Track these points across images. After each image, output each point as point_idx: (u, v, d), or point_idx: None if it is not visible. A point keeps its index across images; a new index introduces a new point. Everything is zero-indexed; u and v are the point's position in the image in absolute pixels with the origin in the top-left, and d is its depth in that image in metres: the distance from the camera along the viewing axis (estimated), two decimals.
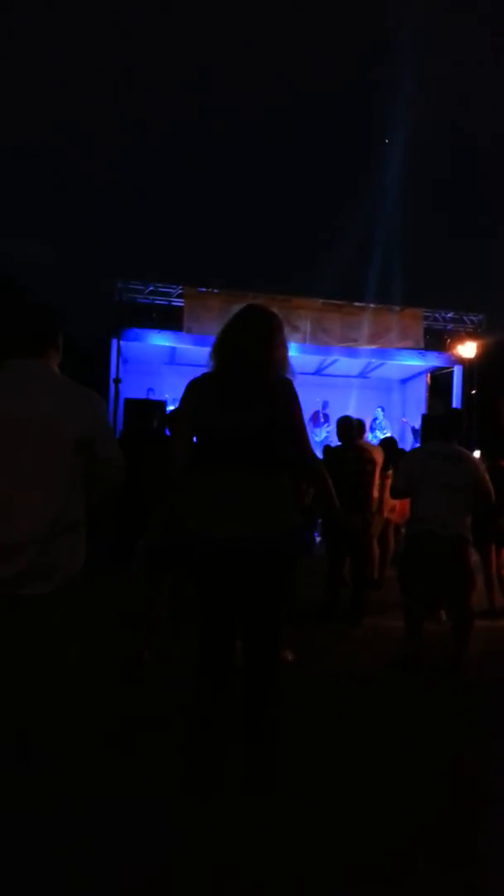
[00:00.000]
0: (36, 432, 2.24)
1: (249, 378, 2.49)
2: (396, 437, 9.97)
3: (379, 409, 14.46)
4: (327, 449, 6.31)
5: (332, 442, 11.82)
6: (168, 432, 4.99)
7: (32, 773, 2.25)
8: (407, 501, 4.87)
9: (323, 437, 13.57)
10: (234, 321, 2.61)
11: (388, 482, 6.39)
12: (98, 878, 2.15)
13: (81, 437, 2.30)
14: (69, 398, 2.36)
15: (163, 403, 5.48)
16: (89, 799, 2.48)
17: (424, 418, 10.67)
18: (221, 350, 2.58)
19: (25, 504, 2.22)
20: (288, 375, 2.57)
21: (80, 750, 2.63)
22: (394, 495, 4.82)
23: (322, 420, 14.21)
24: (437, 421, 4.94)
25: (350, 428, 5.89)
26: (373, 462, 5.85)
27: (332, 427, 6.58)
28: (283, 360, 2.59)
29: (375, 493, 6.05)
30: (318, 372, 14.58)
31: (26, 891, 2.07)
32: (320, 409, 14.29)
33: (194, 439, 2.53)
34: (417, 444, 11.31)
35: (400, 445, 8.66)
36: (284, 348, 2.61)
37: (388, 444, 7.68)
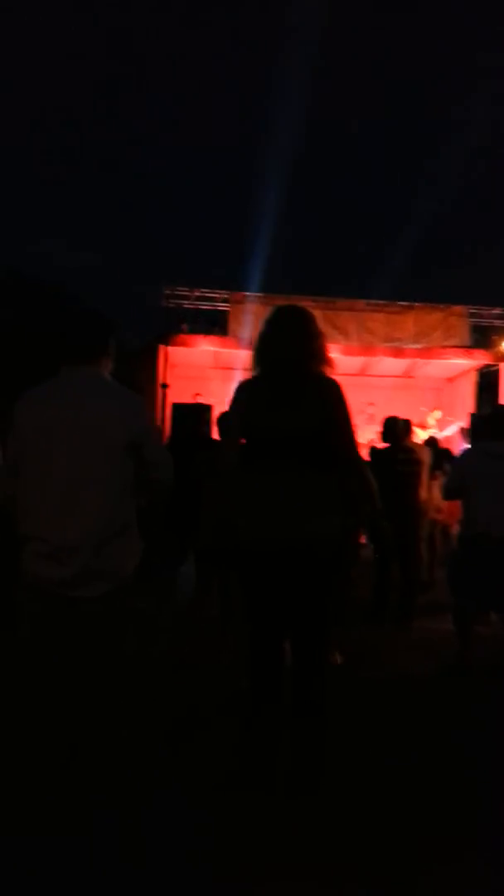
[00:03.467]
0: (87, 438, 2.31)
1: (296, 378, 2.54)
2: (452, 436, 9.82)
3: (436, 412, 14.23)
4: (374, 450, 6.28)
5: (377, 443, 11.73)
6: (217, 435, 5.05)
7: (85, 772, 2.32)
8: (456, 502, 4.84)
9: (369, 437, 13.48)
10: (268, 325, 2.68)
11: (436, 482, 6.36)
12: (146, 873, 2.19)
13: (131, 441, 2.35)
14: (118, 403, 2.42)
15: (210, 407, 5.52)
16: (144, 793, 2.52)
17: (473, 417, 10.51)
18: (262, 354, 2.66)
19: (79, 508, 2.28)
20: (326, 365, 2.63)
21: (133, 749, 2.67)
22: (446, 496, 4.78)
23: (368, 421, 14.10)
24: (487, 419, 4.88)
25: (397, 428, 5.85)
26: (420, 462, 5.81)
27: (378, 427, 6.54)
28: (321, 350, 2.64)
29: (424, 494, 6.01)
30: (363, 373, 14.49)
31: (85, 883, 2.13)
32: (366, 409, 14.20)
33: (244, 441, 2.58)
34: (466, 444, 11.14)
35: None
36: (320, 339, 2.66)
37: (431, 443, 7.62)
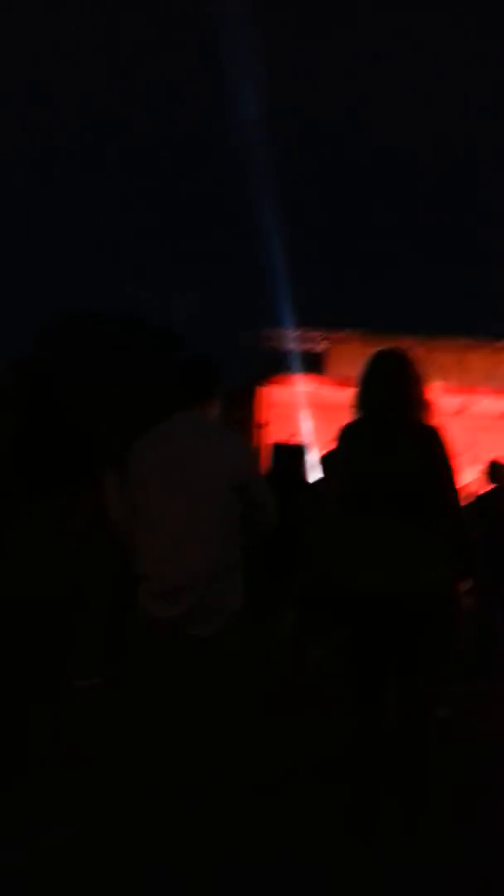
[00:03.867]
0: (197, 479, 2.38)
1: (395, 425, 2.54)
2: None
3: None
4: (480, 496, 6.10)
5: (479, 484, 11.37)
6: (312, 477, 5.03)
7: (197, 808, 2.32)
8: None
9: (468, 479, 13.08)
10: (368, 370, 2.68)
11: None
12: None
13: (238, 483, 2.42)
14: (226, 446, 2.50)
15: (307, 448, 5.52)
16: (248, 837, 2.51)
17: None
18: (362, 399, 2.66)
19: (190, 548, 2.35)
20: (426, 411, 2.62)
21: (238, 791, 2.65)
22: None
23: (469, 462, 13.71)
24: None
25: (501, 471, 5.68)
26: None
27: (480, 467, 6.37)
28: (420, 396, 2.63)
29: None
30: (462, 413, 14.15)
31: None
32: (464, 451, 13.81)
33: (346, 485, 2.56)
34: None
35: None
36: (419, 384, 2.65)
37: None
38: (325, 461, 4.40)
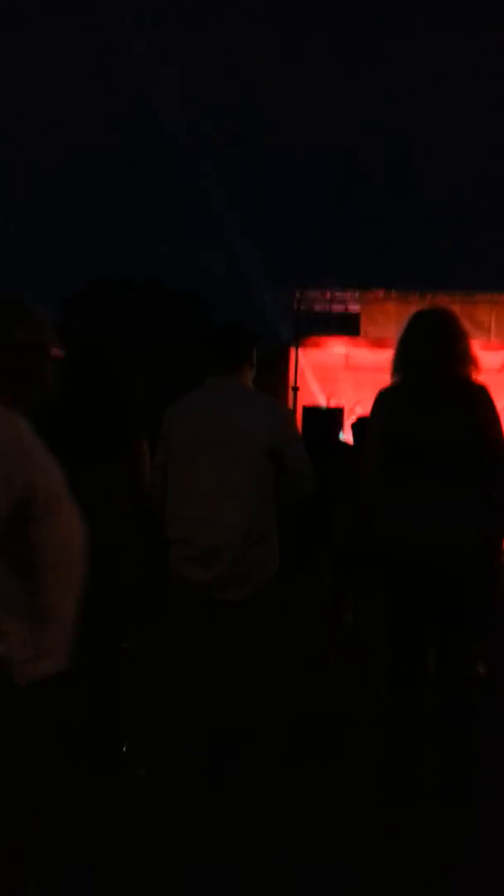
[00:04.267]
0: (232, 445, 2.38)
1: (441, 383, 2.47)
2: None
3: None
4: None
5: None
6: (349, 440, 4.99)
7: (230, 772, 2.37)
8: None
9: None
10: (409, 329, 2.60)
11: None
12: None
13: (273, 449, 2.41)
14: (261, 412, 2.48)
15: (342, 411, 5.47)
16: (283, 804, 2.53)
17: None
18: (404, 359, 2.59)
19: (224, 513, 2.37)
20: (472, 366, 2.55)
21: (271, 752, 2.68)
22: None
23: None
24: None
25: None
26: None
27: None
28: (466, 352, 2.56)
29: None
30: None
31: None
32: None
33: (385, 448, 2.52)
34: None
35: None
36: (464, 340, 2.57)
37: None
38: (358, 424, 4.35)
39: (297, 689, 3.70)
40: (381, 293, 12.75)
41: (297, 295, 13.15)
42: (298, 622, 4.55)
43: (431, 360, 2.48)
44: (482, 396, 2.46)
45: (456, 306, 12.97)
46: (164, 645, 2.57)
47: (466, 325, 2.67)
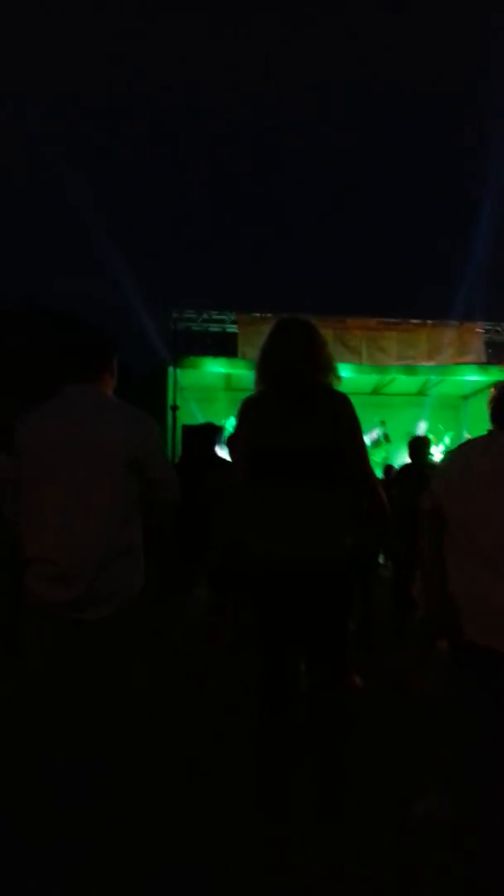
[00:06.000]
0: (88, 456, 2.26)
1: (305, 392, 2.47)
2: None
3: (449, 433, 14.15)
4: (402, 468, 6.35)
5: (390, 462, 11.66)
6: (228, 456, 4.98)
7: (97, 796, 2.23)
8: None
9: (382, 457, 13.37)
10: (271, 338, 2.60)
11: None
12: None
13: (133, 459, 2.30)
14: (120, 421, 2.37)
15: (221, 427, 5.46)
16: (155, 827, 2.44)
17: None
18: (266, 368, 2.58)
19: (82, 528, 2.23)
20: (334, 376, 2.58)
21: (142, 777, 2.57)
22: None
23: (382, 440, 14.01)
24: None
25: (423, 446, 5.96)
26: None
27: (392, 447, 6.59)
28: (327, 360, 2.59)
29: None
30: (376, 392, 14.43)
31: None
32: (379, 429, 14.11)
33: (252, 459, 2.50)
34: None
35: None
36: (325, 349, 2.61)
37: None
38: (231, 439, 4.36)
39: (172, 712, 3.64)
40: (257, 315, 12.98)
41: (174, 315, 13.15)
42: (177, 645, 4.48)
43: (293, 366, 2.49)
44: (346, 405, 2.48)
45: (330, 330, 13.48)
46: (25, 673, 2.37)
47: (340, 348, 2.72)
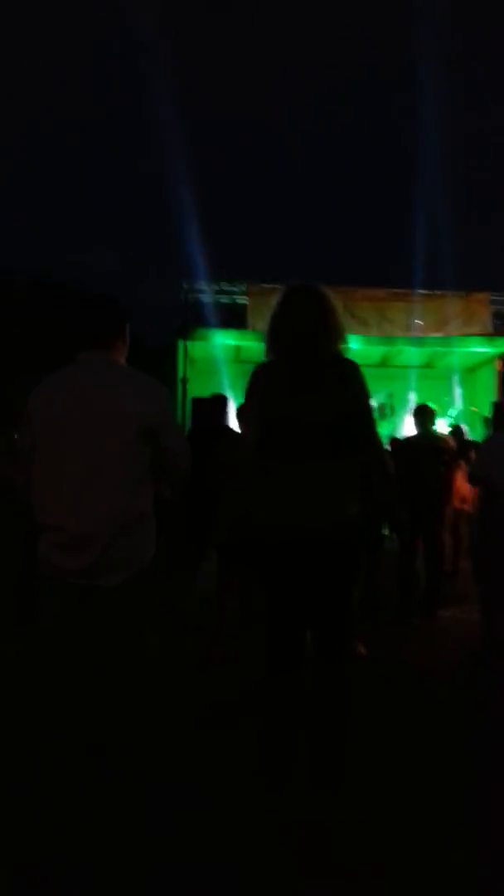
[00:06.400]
0: (101, 424, 2.26)
1: (315, 359, 2.45)
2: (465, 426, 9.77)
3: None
4: (404, 440, 6.28)
5: (397, 434, 11.65)
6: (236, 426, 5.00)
7: (108, 765, 2.28)
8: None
9: (390, 430, 13.36)
10: (281, 304, 2.57)
11: (461, 472, 6.29)
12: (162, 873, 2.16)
13: (146, 427, 2.30)
14: (134, 389, 2.37)
15: (231, 399, 5.47)
16: (161, 787, 2.50)
17: (495, 405, 10.37)
18: (277, 335, 2.55)
19: (95, 495, 2.24)
20: (344, 343, 2.55)
21: (153, 742, 2.61)
22: (473, 482, 4.74)
23: (389, 412, 13.98)
24: None
25: (427, 416, 5.81)
26: (449, 451, 5.75)
27: (398, 418, 6.55)
28: (338, 327, 2.55)
29: (459, 483, 5.97)
30: (384, 364, 14.37)
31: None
32: (386, 400, 14.06)
33: (262, 428, 2.48)
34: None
35: (471, 435, 8.49)
36: (336, 315, 2.56)
37: (457, 433, 7.55)
38: (240, 409, 4.38)
39: (182, 681, 3.71)
40: (266, 286, 12.90)
41: (185, 287, 13.09)
42: (185, 618, 4.54)
43: (304, 333, 2.46)
44: (356, 374, 2.46)
45: (338, 301, 13.23)
46: (39, 639, 2.39)
47: (348, 319, 2.69)
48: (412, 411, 6.02)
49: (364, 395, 2.48)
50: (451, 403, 14.02)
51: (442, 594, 5.61)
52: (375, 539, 5.28)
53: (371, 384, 2.53)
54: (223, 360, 13.84)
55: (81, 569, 2.24)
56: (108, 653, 2.31)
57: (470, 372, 15.34)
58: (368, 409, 2.51)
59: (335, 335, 2.53)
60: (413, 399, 12.75)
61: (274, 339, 2.56)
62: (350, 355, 2.57)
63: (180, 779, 2.64)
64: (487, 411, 12.78)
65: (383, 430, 13.20)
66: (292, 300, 2.56)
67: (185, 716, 3.25)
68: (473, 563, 4.79)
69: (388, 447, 6.28)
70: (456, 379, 14.79)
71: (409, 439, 6.05)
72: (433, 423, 5.91)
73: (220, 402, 5.14)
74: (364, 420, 2.47)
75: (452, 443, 6.02)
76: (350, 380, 2.45)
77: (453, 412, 13.71)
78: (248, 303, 12.91)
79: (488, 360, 14.39)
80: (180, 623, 4.45)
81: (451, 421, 12.60)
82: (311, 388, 2.42)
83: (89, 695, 2.31)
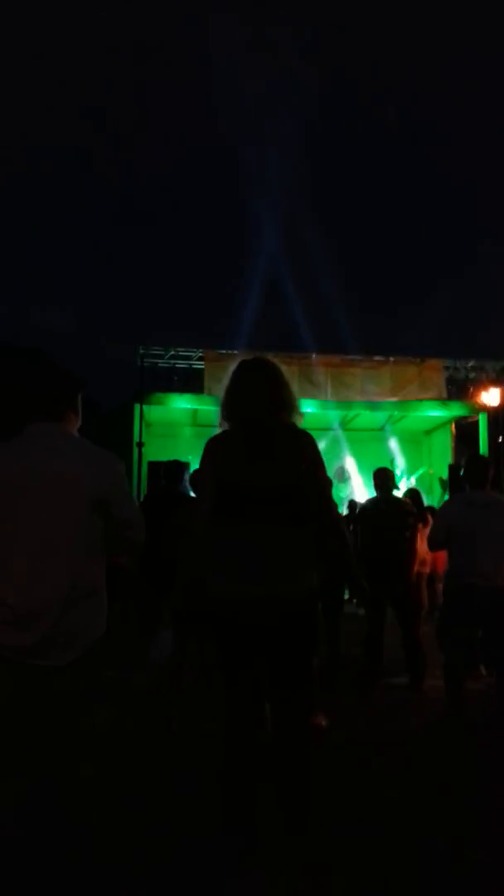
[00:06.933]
0: (52, 496, 2.20)
1: (268, 431, 2.48)
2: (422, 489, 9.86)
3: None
4: (365, 503, 6.25)
5: (354, 497, 11.73)
6: (192, 492, 4.95)
7: (63, 844, 2.16)
8: (441, 553, 4.76)
9: (346, 493, 13.45)
10: (234, 378, 2.61)
11: (420, 534, 6.28)
12: None
13: (98, 499, 2.25)
14: (85, 460, 2.32)
15: (187, 464, 5.43)
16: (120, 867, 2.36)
17: (451, 468, 10.55)
18: (230, 408, 2.58)
19: (44, 571, 2.16)
20: (297, 415, 2.58)
21: (109, 820, 2.49)
22: (432, 547, 4.72)
23: (346, 476, 14.12)
24: (467, 469, 4.83)
25: (389, 479, 5.79)
26: (413, 514, 5.72)
27: (355, 481, 6.56)
28: (290, 400, 2.59)
29: (419, 545, 5.93)
30: (341, 427, 14.59)
31: None
32: (343, 464, 14.22)
33: (217, 497, 2.49)
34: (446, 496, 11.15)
35: (426, 497, 8.54)
36: (288, 388, 2.61)
37: (414, 495, 7.57)
38: (195, 477, 4.34)
39: (138, 755, 3.55)
40: (223, 352, 13.10)
41: (142, 351, 13.20)
42: (142, 686, 4.39)
43: (256, 408, 2.49)
44: (309, 444, 2.49)
45: (294, 367, 13.65)
46: None
47: (305, 385, 2.74)
48: (372, 474, 5.97)
49: (319, 465, 2.50)
50: (407, 467, 14.25)
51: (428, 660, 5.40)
52: (334, 605, 5.19)
53: (328, 447, 2.54)
54: (180, 424, 13.92)
55: (28, 647, 2.13)
56: (56, 732, 2.19)
57: (426, 435, 15.68)
58: (324, 478, 2.53)
59: (288, 407, 2.57)
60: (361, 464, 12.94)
61: (227, 410, 2.59)
62: (308, 419, 2.59)
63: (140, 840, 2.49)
64: (444, 473, 13.07)
65: (340, 493, 13.30)
66: (244, 373, 2.60)
67: (140, 791, 3.08)
68: (438, 628, 4.71)
69: (345, 510, 6.25)
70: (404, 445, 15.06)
71: (371, 503, 6.01)
72: (394, 487, 5.90)
73: (177, 467, 5.09)
74: (319, 488, 2.48)
75: (412, 506, 6.02)
76: (304, 450, 2.47)
77: (411, 475, 13.92)
78: (204, 367, 13.07)
79: (444, 424, 14.75)
80: (136, 691, 4.29)
81: (408, 484, 12.75)
82: (266, 456, 2.44)
83: (39, 775, 2.18)
